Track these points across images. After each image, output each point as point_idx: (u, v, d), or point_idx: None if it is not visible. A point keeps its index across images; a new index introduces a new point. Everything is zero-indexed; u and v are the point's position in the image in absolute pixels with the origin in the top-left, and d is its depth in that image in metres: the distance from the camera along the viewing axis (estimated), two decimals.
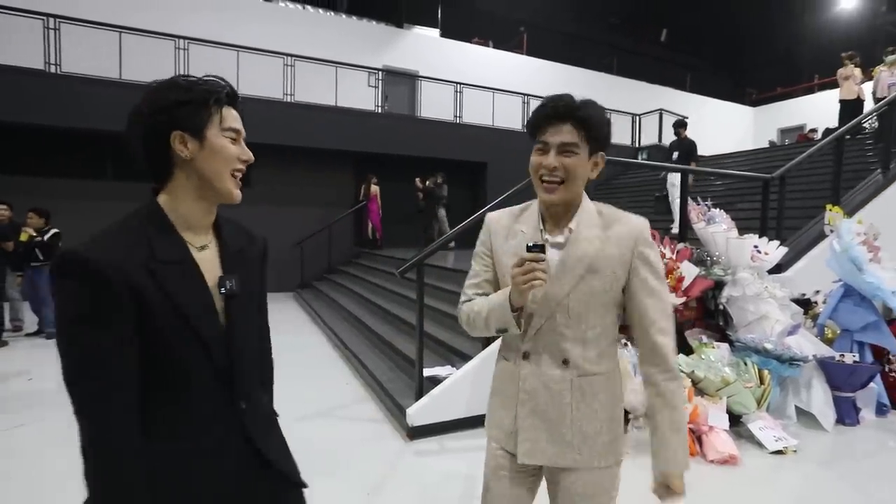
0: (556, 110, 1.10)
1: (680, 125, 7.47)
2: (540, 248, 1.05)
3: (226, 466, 0.95)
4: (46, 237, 5.68)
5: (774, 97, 17.59)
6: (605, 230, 1.14)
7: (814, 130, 13.00)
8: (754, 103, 18.15)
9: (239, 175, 0.99)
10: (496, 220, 1.25)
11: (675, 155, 7.13)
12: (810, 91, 16.57)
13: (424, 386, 3.31)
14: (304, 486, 1.08)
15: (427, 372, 3.47)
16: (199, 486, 0.92)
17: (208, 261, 0.98)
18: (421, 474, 2.64)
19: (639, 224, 1.16)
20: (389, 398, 3.58)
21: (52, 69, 7.85)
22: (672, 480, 1.13)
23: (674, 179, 7.04)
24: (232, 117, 0.97)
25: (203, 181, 0.95)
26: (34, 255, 5.60)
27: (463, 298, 1.26)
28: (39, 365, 4.78)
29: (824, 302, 4.07)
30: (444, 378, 3.35)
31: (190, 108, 0.92)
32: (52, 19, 7.86)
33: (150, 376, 0.89)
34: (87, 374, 0.83)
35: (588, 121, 1.09)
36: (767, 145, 13.97)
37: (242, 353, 0.99)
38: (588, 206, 1.18)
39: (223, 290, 0.96)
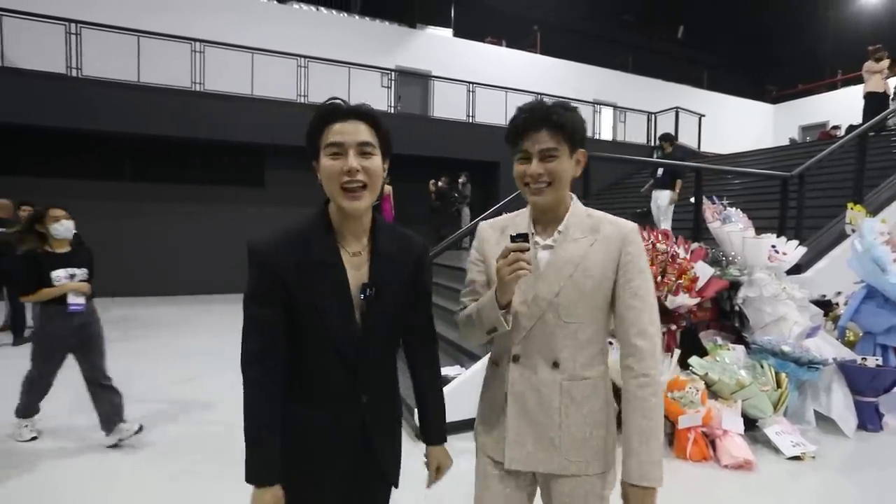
0: (532, 118, 1.12)
1: (665, 139, 7.18)
2: (523, 238, 1.06)
3: (343, 444, 1.11)
4: None
5: (795, 94, 17.18)
6: (594, 232, 1.16)
7: (836, 127, 12.67)
8: (774, 100, 17.75)
9: (352, 185, 1.04)
10: (488, 227, 1.28)
11: (660, 171, 6.61)
12: (833, 87, 16.16)
13: None
14: (396, 486, 1.23)
15: None
16: (323, 449, 1.10)
17: (358, 266, 1.10)
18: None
19: (627, 226, 1.17)
20: None
21: (74, 73, 8.05)
22: (633, 495, 1.08)
23: (658, 200, 6.60)
24: (333, 132, 1.04)
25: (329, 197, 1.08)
26: None
27: (459, 307, 1.26)
28: None
29: (846, 303, 3.95)
30: (453, 378, 3.34)
31: (311, 141, 1.07)
32: (73, 24, 8.05)
33: (294, 353, 1.07)
34: (251, 335, 1.05)
35: (563, 124, 1.11)
36: (788, 143, 13.65)
37: (370, 354, 1.11)
38: (578, 210, 1.19)
39: (363, 296, 1.08)
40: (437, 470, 1.27)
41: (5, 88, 7.31)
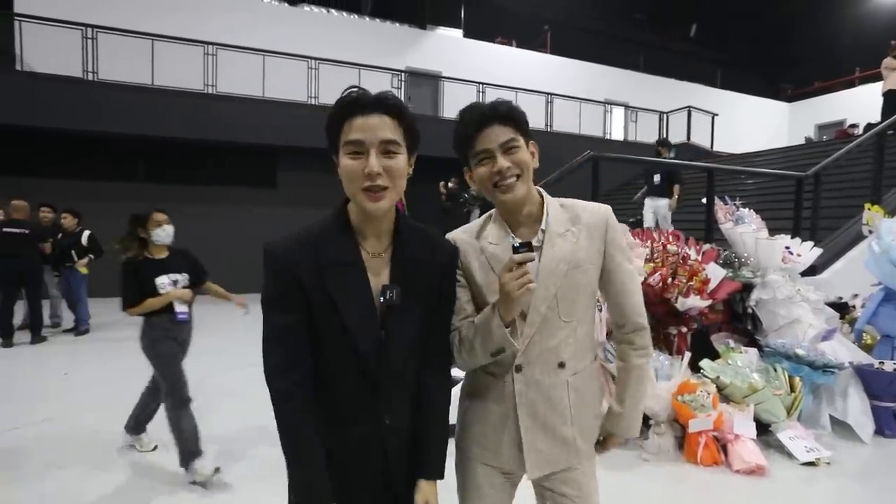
0: (480, 117, 1.08)
1: (662, 144, 6.99)
2: (527, 247, 0.97)
3: (363, 464, 1.03)
4: (84, 239, 5.92)
5: (812, 92, 16.88)
6: (575, 223, 1.14)
7: (854, 126, 12.40)
8: (790, 99, 17.47)
9: (374, 189, 0.94)
10: (457, 238, 1.18)
11: (658, 178, 6.39)
12: (851, 85, 15.84)
13: None
14: None
15: None
16: (344, 468, 1.02)
17: (379, 268, 1.01)
18: None
19: (605, 210, 1.17)
20: None
21: (90, 77, 8.20)
22: (614, 441, 1.24)
23: (657, 209, 6.38)
24: (353, 128, 0.93)
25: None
26: (69, 256, 5.85)
27: (452, 329, 1.15)
28: (75, 360, 4.99)
29: (863, 306, 3.87)
30: (461, 380, 3.33)
31: (331, 135, 0.97)
32: (89, 29, 8.21)
33: (313, 363, 1.00)
34: (271, 346, 0.98)
35: (512, 115, 1.08)
36: (803, 142, 13.41)
37: (392, 364, 1.01)
38: (551, 203, 1.16)
39: (382, 299, 0.99)
40: None
41: (23, 92, 7.47)
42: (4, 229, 5.33)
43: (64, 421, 3.36)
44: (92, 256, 5.95)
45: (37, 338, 5.50)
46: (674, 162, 7.80)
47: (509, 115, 1.08)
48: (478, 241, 1.16)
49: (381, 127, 0.93)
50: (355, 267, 0.99)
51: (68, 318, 6.12)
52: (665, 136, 12.98)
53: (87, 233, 5.95)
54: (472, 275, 1.14)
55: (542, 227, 1.13)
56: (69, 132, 8.06)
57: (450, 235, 1.20)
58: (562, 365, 1.13)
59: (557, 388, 1.13)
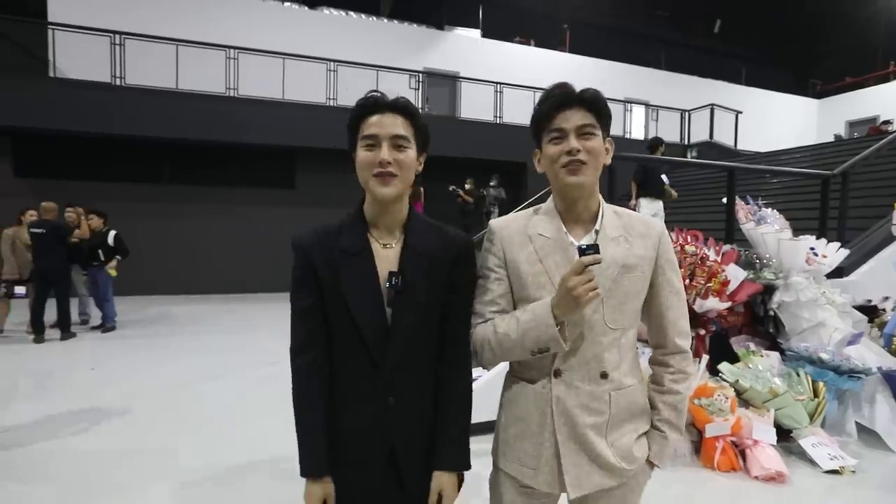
0: (565, 96, 1.06)
1: (656, 142, 6.81)
2: (594, 249, 0.96)
3: (370, 443, 1.08)
4: (110, 239, 6.12)
5: (843, 87, 16.30)
6: (628, 230, 1.11)
7: (888, 122, 11.96)
8: (818, 95, 16.92)
9: (384, 175, 1.05)
10: (504, 227, 1.15)
11: (665, 178, 6.23)
12: (885, 79, 15.24)
13: None
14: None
15: None
16: (348, 452, 1.09)
17: (388, 259, 1.09)
18: None
19: (660, 224, 1.15)
20: None
21: (118, 82, 8.46)
22: (648, 468, 1.17)
23: (654, 210, 6.07)
24: (369, 125, 1.06)
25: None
26: (96, 256, 6.05)
27: (478, 321, 1.13)
28: (102, 356, 5.15)
29: (893, 309, 3.73)
30: (476, 378, 3.32)
31: (351, 132, 1.10)
32: (117, 35, 8.47)
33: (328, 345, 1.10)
34: (295, 327, 1.11)
35: (597, 104, 1.07)
36: (833, 140, 12.97)
37: (397, 348, 1.07)
38: (607, 207, 1.13)
39: (388, 285, 1.06)
40: (438, 500, 1.10)
41: (56, 97, 7.76)
42: (30, 230, 5.57)
43: (89, 412, 3.47)
44: (119, 258, 6.15)
45: (66, 334, 5.70)
46: (695, 162, 7.63)
47: (593, 102, 1.06)
48: (530, 229, 1.12)
49: (394, 124, 1.06)
50: (363, 255, 1.08)
51: (96, 316, 6.33)
52: (688, 134, 12.74)
53: (112, 233, 6.16)
54: (517, 265, 1.10)
55: (596, 227, 1.10)
56: (98, 135, 8.33)
57: (497, 222, 1.17)
58: (604, 376, 1.07)
59: (598, 401, 1.07)
